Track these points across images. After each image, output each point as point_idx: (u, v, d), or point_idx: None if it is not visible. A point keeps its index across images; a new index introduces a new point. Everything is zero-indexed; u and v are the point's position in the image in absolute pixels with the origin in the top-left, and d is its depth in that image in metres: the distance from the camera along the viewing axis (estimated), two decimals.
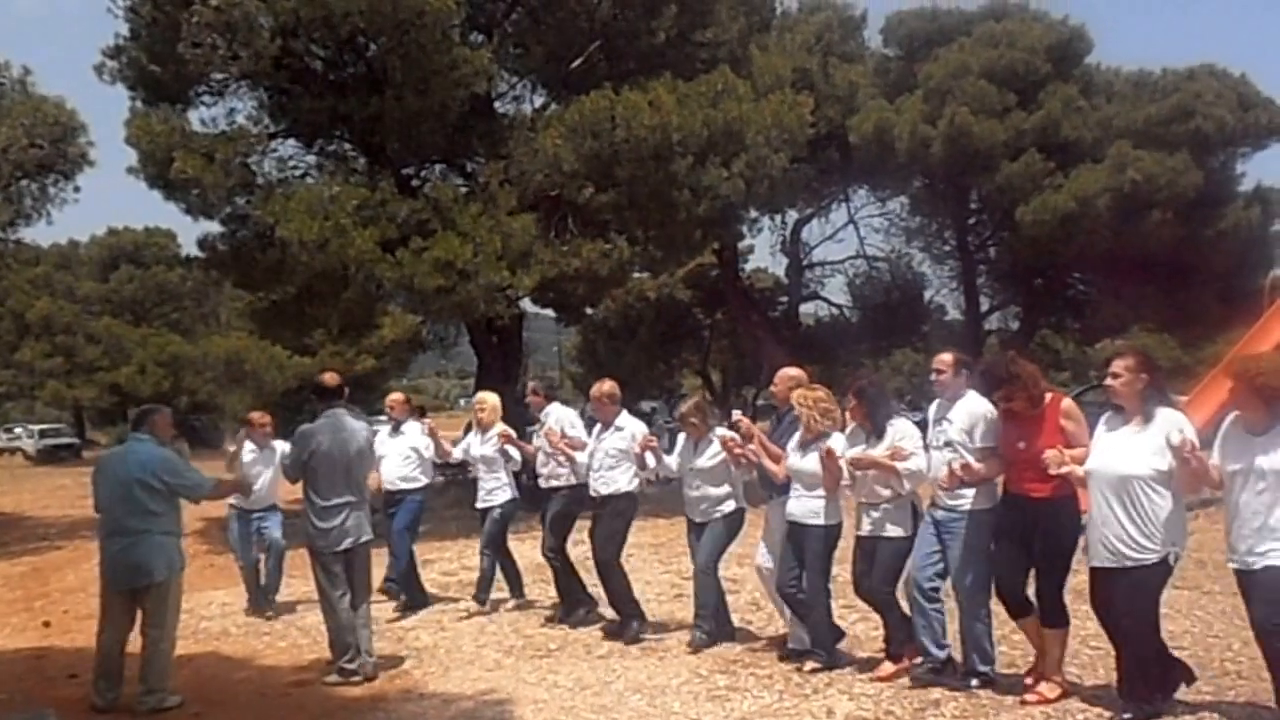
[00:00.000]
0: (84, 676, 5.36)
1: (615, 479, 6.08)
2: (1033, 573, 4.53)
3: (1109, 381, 4.13)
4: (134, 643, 5.12)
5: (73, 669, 5.75)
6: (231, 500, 7.09)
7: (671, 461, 6.03)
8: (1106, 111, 21.88)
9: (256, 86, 12.96)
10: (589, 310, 21.30)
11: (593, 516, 6.28)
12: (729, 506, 5.74)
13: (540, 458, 6.59)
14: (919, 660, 4.85)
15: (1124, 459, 4.05)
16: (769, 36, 17.26)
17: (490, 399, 7.19)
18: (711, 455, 5.69)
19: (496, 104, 14.35)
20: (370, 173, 12.94)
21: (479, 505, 7.07)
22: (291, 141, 13.65)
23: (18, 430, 38.95)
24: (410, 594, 7.23)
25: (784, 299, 27.83)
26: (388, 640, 6.32)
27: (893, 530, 4.91)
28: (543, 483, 6.61)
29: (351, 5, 11.14)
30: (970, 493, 4.63)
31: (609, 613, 6.38)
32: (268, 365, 28.82)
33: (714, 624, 5.78)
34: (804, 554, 5.14)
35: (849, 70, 21.67)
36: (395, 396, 7.68)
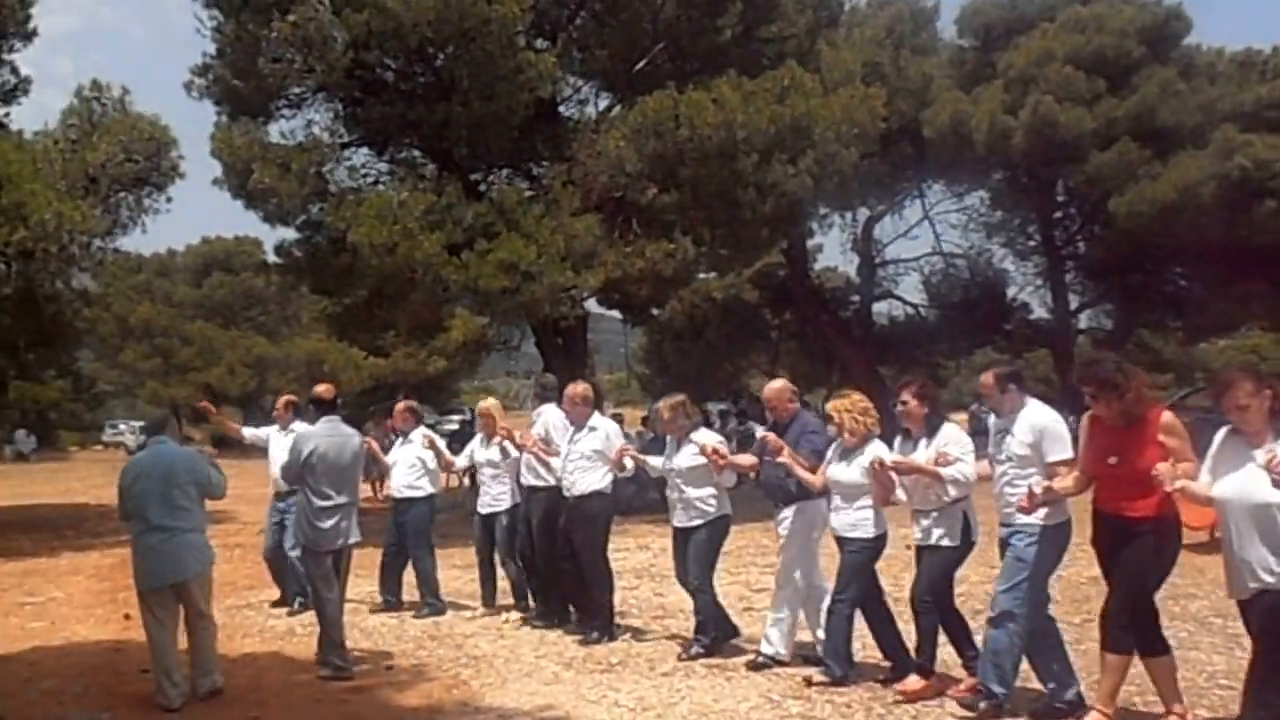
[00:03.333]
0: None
1: (588, 479, 6.13)
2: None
3: (1235, 415, 3.80)
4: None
5: (145, 664, 5.82)
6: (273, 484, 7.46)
7: (656, 462, 6.02)
8: (1209, 94, 20.74)
9: (331, 98, 13.33)
10: (655, 311, 21.27)
11: (566, 517, 6.31)
12: (711, 511, 5.65)
13: (526, 457, 6.68)
14: (976, 693, 4.57)
15: (1259, 486, 3.72)
16: (837, 32, 16.91)
17: (493, 405, 7.32)
18: (692, 455, 5.64)
19: (561, 107, 14.43)
20: (438, 178, 13.16)
21: (483, 511, 7.16)
22: (364, 150, 14.03)
23: (121, 426, 41.15)
24: (426, 600, 7.37)
25: (856, 298, 27.26)
26: (447, 647, 6.32)
27: (940, 539, 4.73)
28: (524, 480, 6.73)
29: (420, 15, 11.34)
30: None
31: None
32: (345, 365, 29.60)
33: (716, 632, 5.77)
34: (842, 566, 5.05)
35: (922, 63, 21.12)
36: (399, 407, 7.73)
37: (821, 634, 5.32)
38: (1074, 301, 25.60)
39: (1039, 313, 26.18)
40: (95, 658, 6.40)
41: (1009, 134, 20.08)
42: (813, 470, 5.19)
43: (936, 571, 4.75)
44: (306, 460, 5.66)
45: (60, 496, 19.60)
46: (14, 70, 14.36)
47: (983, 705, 4.41)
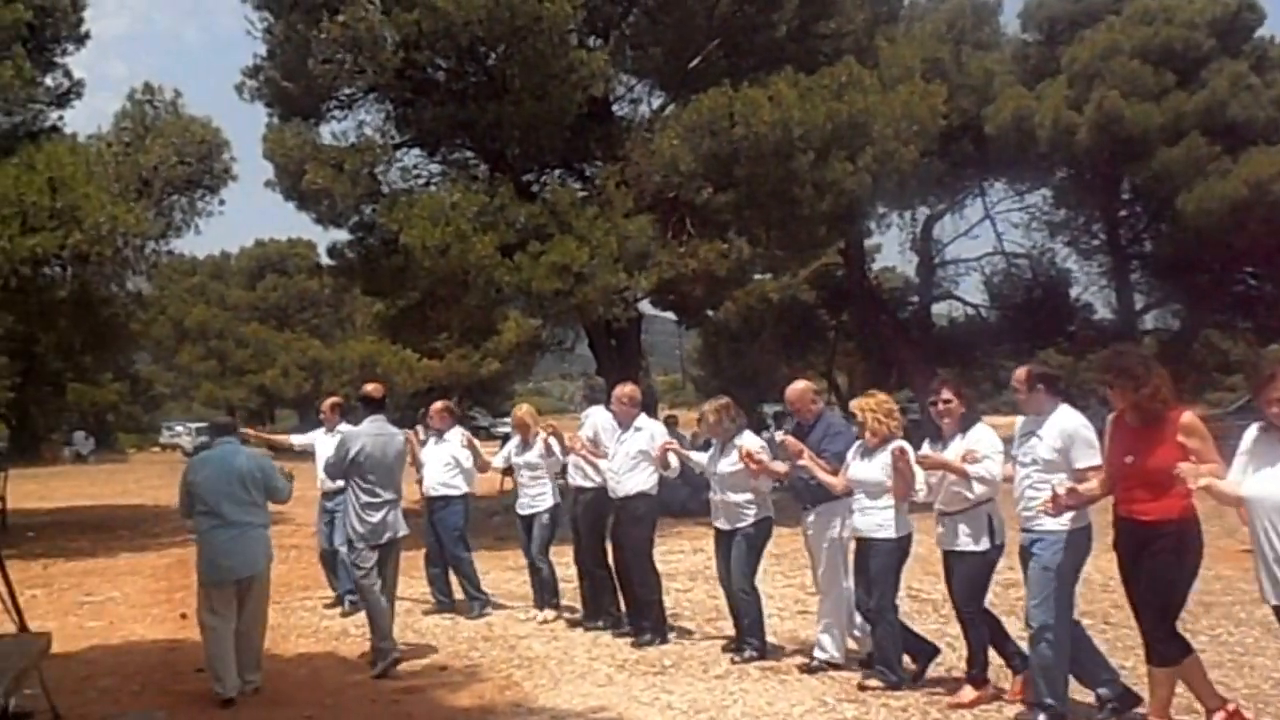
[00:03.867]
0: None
1: (634, 480, 6.15)
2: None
3: (1274, 410, 3.58)
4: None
5: (201, 663, 5.86)
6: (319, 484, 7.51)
7: (701, 457, 6.05)
8: None
9: (383, 99, 13.34)
10: (710, 312, 21.05)
11: (614, 519, 6.37)
12: (752, 515, 5.63)
13: (573, 458, 6.74)
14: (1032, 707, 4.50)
15: None
16: (896, 27, 16.56)
17: (527, 411, 7.42)
18: (732, 461, 5.62)
19: (614, 106, 14.28)
20: (490, 179, 13.08)
21: (523, 512, 7.23)
22: (416, 151, 14.00)
23: (178, 428, 42.01)
24: (472, 597, 7.39)
25: (915, 299, 26.83)
26: (500, 648, 6.29)
27: (965, 543, 4.67)
28: (571, 481, 6.78)
29: (471, 14, 11.27)
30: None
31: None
32: (399, 368, 30.03)
33: (761, 637, 5.75)
34: (869, 568, 5.01)
35: (984, 58, 20.70)
36: (435, 406, 7.86)
37: (856, 633, 5.41)
38: (1139, 302, 24.97)
39: (1103, 313, 25.56)
40: (152, 656, 6.44)
41: (1073, 130, 19.59)
42: (834, 473, 5.19)
43: (971, 582, 4.71)
44: (354, 459, 5.80)
45: (118, 497, 20.02)
46: (67, 73, 14.45)
47: (1042, 718, 4.37)
